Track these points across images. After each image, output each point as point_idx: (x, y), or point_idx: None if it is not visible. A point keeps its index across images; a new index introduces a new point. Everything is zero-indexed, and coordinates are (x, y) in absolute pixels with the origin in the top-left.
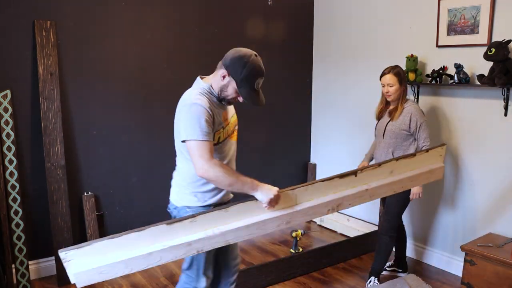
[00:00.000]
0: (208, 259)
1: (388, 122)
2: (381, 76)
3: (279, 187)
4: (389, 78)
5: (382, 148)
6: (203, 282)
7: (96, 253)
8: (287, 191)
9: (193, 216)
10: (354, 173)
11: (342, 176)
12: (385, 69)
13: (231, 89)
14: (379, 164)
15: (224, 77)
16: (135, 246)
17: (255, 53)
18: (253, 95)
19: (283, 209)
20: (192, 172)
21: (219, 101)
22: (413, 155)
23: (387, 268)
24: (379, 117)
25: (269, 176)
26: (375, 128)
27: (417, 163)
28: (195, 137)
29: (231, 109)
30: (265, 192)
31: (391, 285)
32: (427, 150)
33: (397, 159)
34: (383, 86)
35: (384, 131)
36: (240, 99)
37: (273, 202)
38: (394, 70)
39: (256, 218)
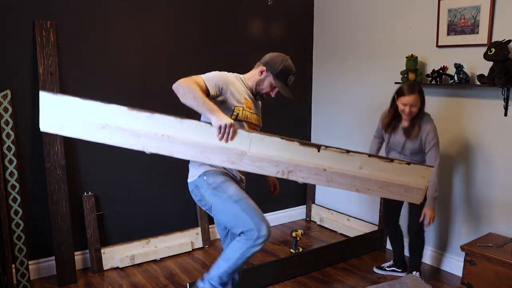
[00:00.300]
0: (251, 205)
1: (407, 139)
2: (400, 95)
3: (279, 187)
4: (414, 99)
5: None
6: (263, 228)
7: (66, 107)
8: (243, 130)
9: (151, 112)
10: (317, 146)
11: (303, 143)
12: (404, 88)
13: (266, 83)
14: (348, 151)
15: (262, 72)
16: (96, 116)
17: (290, 57)
18: (285, 88)
19: (232, 147)
20: None
21: (251, 94)
22: (391, 160)
23: (386, 268)
24: (388, 130)
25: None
26: (388, 141)
27: (394, 173)
28: (203, 76)
29: (257, 108)
30: (220, 117)
31: (391, 285)
32: (408, 163)
33: (370, 155)
34: (404, 105)
35: (403, 147)
36: (273, 93)
37: (225, 133)
38: (416, 88)
39: (204, 140)
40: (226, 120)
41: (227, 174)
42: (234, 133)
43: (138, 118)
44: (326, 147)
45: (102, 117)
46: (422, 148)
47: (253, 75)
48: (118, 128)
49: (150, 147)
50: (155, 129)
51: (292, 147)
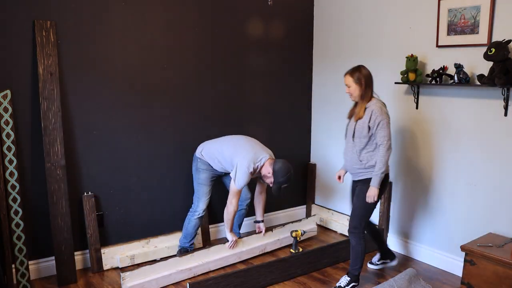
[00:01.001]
0: (203, 193)
1: (356, 122)
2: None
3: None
4: (347, 80)
5: (351, 148)
6: (202, 204)
7: (140, 274)
8: (239, 239)
9: (191, 252)
10: (262, 234)
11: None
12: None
13: (268, 180)
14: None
15: (269, 173)
16: (162, 269)
17: (291, 171)
18: (278, 191)
19: (237, 249)
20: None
21: (254, 173)
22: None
23: (377, 262)
24: (349, 117)
25: None
26: (346, 127)
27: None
28: (238, 186)
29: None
30: (231, 235)
31: (404, 274)
32: (283, 225)
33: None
34: (346, 86)
35: (354, 134)
36: (269, 183)
37: (234, 244)
38: (351, 70)
39: (223, 254)
40: (234, 237)
41: (209, 169)
42: (236, 243)
43: (186, 259)
44: (264, 234)
45: (167, 270)
46: (366, 130)
47: (265, 172)
48: (177, 272)
49: (199, 271)
50: (197, 261)
51: (255, 238)
